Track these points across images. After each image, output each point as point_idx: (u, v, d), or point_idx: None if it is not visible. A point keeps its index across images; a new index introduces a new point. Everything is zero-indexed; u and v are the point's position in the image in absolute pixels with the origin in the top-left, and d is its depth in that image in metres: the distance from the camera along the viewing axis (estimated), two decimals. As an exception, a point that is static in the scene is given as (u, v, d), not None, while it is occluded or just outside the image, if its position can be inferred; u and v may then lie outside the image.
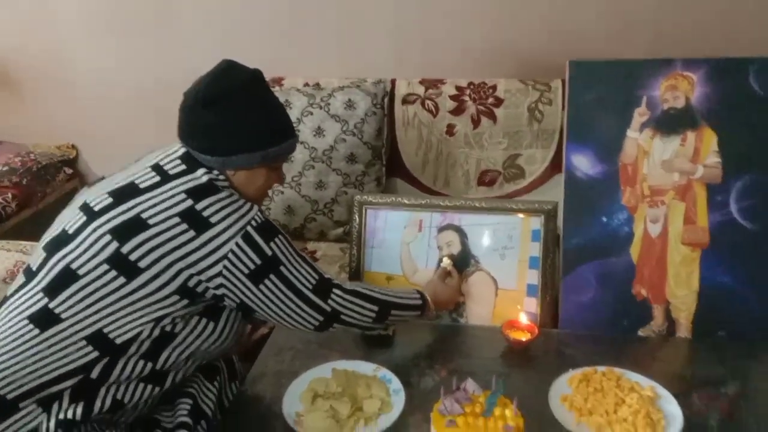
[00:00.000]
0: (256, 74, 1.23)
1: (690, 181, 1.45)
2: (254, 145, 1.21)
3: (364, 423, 1.20)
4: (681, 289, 1.46)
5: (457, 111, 2.00)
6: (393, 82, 2.05)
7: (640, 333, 1.48)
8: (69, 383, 1.08)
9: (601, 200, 1.49)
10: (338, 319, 1.25)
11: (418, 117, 2.02)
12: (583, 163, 1.50)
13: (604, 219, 1.49)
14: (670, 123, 1.46)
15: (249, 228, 1.16)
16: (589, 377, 1.29)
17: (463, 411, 1.12)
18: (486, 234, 1.55)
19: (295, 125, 1.91)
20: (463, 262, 1.56)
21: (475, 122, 1.99)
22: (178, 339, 1.15)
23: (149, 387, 1.15)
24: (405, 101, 2.02)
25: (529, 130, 1.97)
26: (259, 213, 1.19)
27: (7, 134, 2.44)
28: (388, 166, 2.06)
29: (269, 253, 1.17)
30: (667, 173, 1.46)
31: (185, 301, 1.14)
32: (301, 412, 1.23)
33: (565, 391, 1.26)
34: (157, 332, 1.13)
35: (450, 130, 2.01)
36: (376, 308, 1.29)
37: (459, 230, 1.57)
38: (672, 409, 1.21)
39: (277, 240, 1.19)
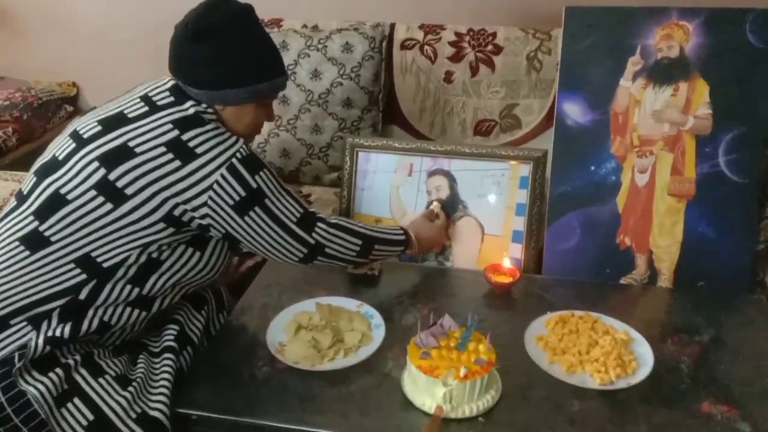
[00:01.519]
0: (247, 9, 1.23)
1: (680, 132, 1.45)
2: (242, 81, 1.22)
3: (344, 353, 1.24)
4: (665, 239, 1.47)
5: (456, 58, 1.98)
6: (392, 26, 2.03)
7: (623, 281, 1.50)
8: (58, 303, 1.12)
9: (590, 148, 1.49)
10: (322, 252, 1.28)
11: (416, 63, 2.01)
12: (574, 111, 1.50)
13: (593, 167, 1.50)
14: (663, 73, 1.45)
15: (234, 160, 1.18)
16: (566, 320, 1.32)
17: (437, 344, 1.16)
18: (474, 180, 1.56)
19: (291, 67, 1.94)
20: (452, 206, 1.57)
21: (474, 70, 1.98)
22: (165, 266, 1.19)
23: (136, 311, 1.19)
24: (403, 46, 2.01)
25: (527, 79, 1.96)
26: (244, 146, 1.21)
27: (8, 71, 2.45)
28: (385, 112, 2.06)
29: (254, 185, 1.19)
30: (658, 123, 1.46)
31: (171, 230, 1.17)
32: (284, 342, 1.28)
33: (541, 331, 1.29)
34: (143, 258, 1.16)
35: (448, 77, 2.00)
36: (359, 242, 1.32)
37: (448, 175, 1.58)
38: (644, 351, 1.24)
39: (262, 173, 1.21)
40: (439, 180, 1.58)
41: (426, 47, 2.00)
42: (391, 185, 1.61)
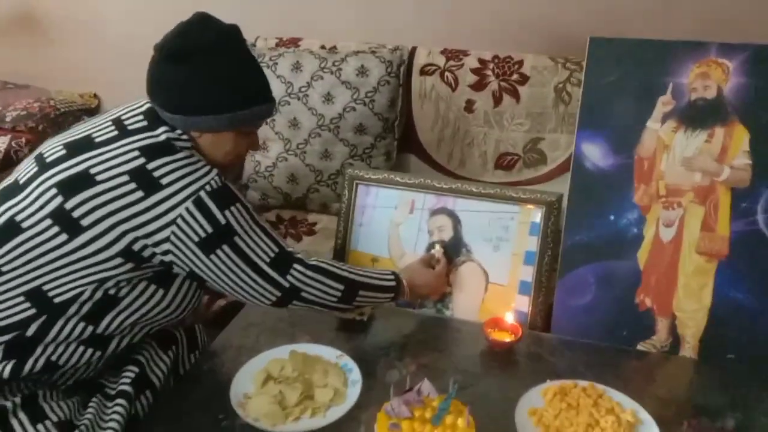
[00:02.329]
0: (229, 30, 1.14)
1: (713, 183, 1.28)
2: (220, 108, 1.13)
3: (311, 413, 1.12)
4: (691, 302, 1.30)
5: (479, 86, 1.85)
6: (413, 50, 1.92)
7: (640, 347, 1.34)
8: (2, 339, 1.05)
9: (610, 196, 1.34)
10: (298, 296, 1.17)
11: (436, 89, 1.89)
12: (595, 154, 1.35)
13: (612, 217, 1.34)
14: (697, 115, 1.29)
15: (202, 193, 1.08)
16: (567, 391, 1.16)
17: (410, 414, 1.02)
18: (481, 222, 1.43)
19: (303, 90, 1.85)
20: (454, 250, 1.44)
21: (497, 100, 1.84)
22: (123, 304, 1.10)
23: (89, 351, 1.10)
24: (423, 72, 1.89)
25: (554, 112, 1.81)
26: (217, 178, 1.11)
27: (34, 79, 2.45)
28: (401, 140, 1.95)
29: (222, 221, 1.10)
30: (688, 172, 1.30)
31: (130, 265, 1.08)
32: (250, 394, 1.17)
33: (537, 403, 1.14)
34: (99, 294, 1.07)
35: (469, 106, 1.87)
36: (341, 287, 1.20)
37: (452, 215, 1.45)
38: (652, 436, 1.07)
39: (233, 208, 1.11)
40: (442, 220, 1.46)
41: (447, 74, 1.87)
42: (391, 222, 1.49)
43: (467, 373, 1.24)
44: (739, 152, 1.27)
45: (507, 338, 1.31)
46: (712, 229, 1.29)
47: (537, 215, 1.39)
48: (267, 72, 1.84)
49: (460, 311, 1.43)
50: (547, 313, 1.40)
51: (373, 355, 1.29)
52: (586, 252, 1.36)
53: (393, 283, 1.29)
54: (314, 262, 1.19)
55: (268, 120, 1.86)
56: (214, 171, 1.12)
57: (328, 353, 1.26)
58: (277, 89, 1.84)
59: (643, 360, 1.32)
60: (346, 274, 1.22)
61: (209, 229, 1.09)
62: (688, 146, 1.30)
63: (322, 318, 1.38)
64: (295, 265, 1.16)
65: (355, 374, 1.21)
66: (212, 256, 1.10)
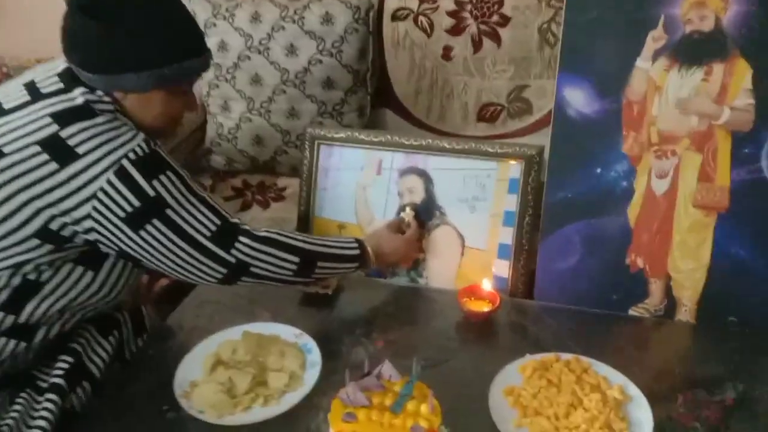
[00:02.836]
0: (149, -27, 0.99)
1: (711, 127, 1.14)
2: (143, 64, 0.98)
3: (263, 401, 1.02)
4: (687, 261, 1.17)
5: (456, 30, 1.69)
6: (383, -7, 1.75)
7: (632, 312, 1.22)
8: None
9: (596, 146, 1.20)
10: (247, 272, 1.05)
11: (410, 36, 1.73)
12: (578, 99, 1.20)
13: (599, 170, 1.20)
14: (692, 51, 1.14)
15: (125, 161, 0.95)
16: (548, 365, 1.05)
17: (368, 402, 0.91)
18: (455, 181, 1.29)
19: (265, 42, 1.69)
20: (426, 212, 1.31)
21: (476, 45, 1.69)
22: (46, 289, 0.98)
23: (12, 342, 0.99)
24: (395, 17, 1.73)
25: (539, 56, 1.66)
26: (143, 143, 0.98)
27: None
28: (375, 94, 1.80)
29: (151, 193, 0.97)
30: (683, 116, 1.15)
31: (49, 246, 0.95)
32: (197, 381, 1.06)
33: (514, 380, 1.03)
34: (17, 281, 0.96)
35: (447, 53, 1.72)
36: (296, 259, 1.08)
37: (423, 175, 1.31)
38: (642, 417, 0.96)
39: (163, 177, 0.98)
40: (413, 180, 1.32)
41: (421, 18, 1.71)
42: (357, 185, 1.36)
43: (440, 348, 1.12)
44: (740, 91, 1.12)
45: (484, 308, 1.19)
46: (710, 179, 1.15)
47: (516, 171, 1.25)
48: (223, 24, 1.70)
49: (435, 279, 1.31)
50: (529, 278, 1.27)
51: (337, 333, 1.17)
52: (570, 210, 1.22)
53: (356, 252, 1.16)
54: (263, 233, 1.07)
55: (228, 77, 1.71)
56: (140, 136, 0.98)
57: (286, 332, 1.15)
58: (235, 43, 1.69)
59: (635, 327, 1.20)
60: (300, 244, 1.10)
61: (136, 203, 0.96)
62: (683, 86, 1.15)
63: (284, 293, 1.27)
64: (241, 238, 1.04)
65: (315, 355, 1.09)
66: (142, 233, 0.97)
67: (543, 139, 1.64)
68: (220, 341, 1.13)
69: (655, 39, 1.15)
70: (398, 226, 1.28)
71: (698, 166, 1.15)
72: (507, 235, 1.26)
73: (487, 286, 1.21)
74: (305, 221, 1.39)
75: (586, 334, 1.15)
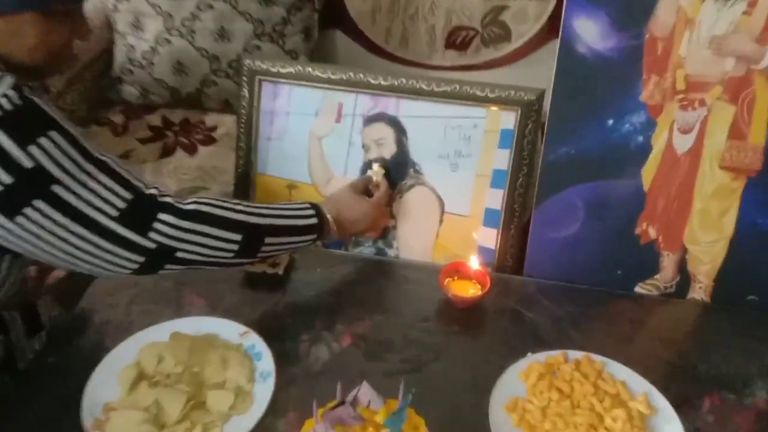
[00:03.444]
0: None
1: (750, 73, 0.93)
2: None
3: (202, 430, 0.79)
4: (708, 232, 1.00)
5: (423, -64, 1.40)
6: None
7: (638, 289, 1.04)
8: None
9: (610, 92, 0.97)
10: (173, 258, 0.79)
11: (365, -58, 1.42)
12: (590, 32, 0.96)
13: (611, 121, 0.98)
14: (737, -25, 0.91)
15: (-14, 122, 0.66)
16: (554, 368, 0.86)
17: (344, 442, 0.70)
18: (434, 132, 1.05)
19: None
20: (398, 170, 1.07)
21: (447, -45, 1.40)
22: None
23: None
24: None
25: (520, -29, 1.39)
26: (11, 92, 0.68)
27: None
28: (324, 13, 1.49)
29: (27, 164, 0.68)
30: (717, 58, 0.94)
31: None
32: (113, 404, 0.81)
33: (516, 390, 0.84)
34: None
35: (410, -36, 1.43)
36: (238, 237, 0.82)
37: (395, 123, 1.06)
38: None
39: (44, 140, 0.69)
40: (381, 130, 1.07)
41: None
42: (311, 135, 1.09)
43: (421, 345, 0.92)
44: (790, 28, 0.91)
45: (471, 293, 0.98)
46: (742, 137, 0.95)
47: (509, 120, 1.02)
48: None
49: (407, 250, 1.09)
50: (519, 249, 1.07)
51: (291, 327, 0.94)
52: (572, 169, 1.01)
53: (313, 221, 0.91)
54: (192, 206, 0.80)
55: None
56: (6, 80, 0.68)
57: (228, 330, 0.91)
58: (146, -58, 1.33)
59: (645, 308, 1.02)
60: (242, 217, 0.84)
61: (6, 179, 0.67)
62: (720, 21, 0.92)
63: (221, 274, 1.02)
64: (162, 215, 0.77)
65: (266, 361, 0.86)
66: (19, 219, 0.69)
67: (523, 71, 1.41)
68: (140, 344, 0.88)
69: (691, -43, 0.91)
70: (364, 187, 1.04)
71: (730, 120, 0.95)
72: (495, 199, 1.05)
73: (474, 263, 1.00)
74: (244, 180, 1.12)
75: (591, 320, 0.98)
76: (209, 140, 1.42)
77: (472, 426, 0.80)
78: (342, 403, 0.72)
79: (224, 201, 0.85)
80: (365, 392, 0.74)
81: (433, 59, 1.50)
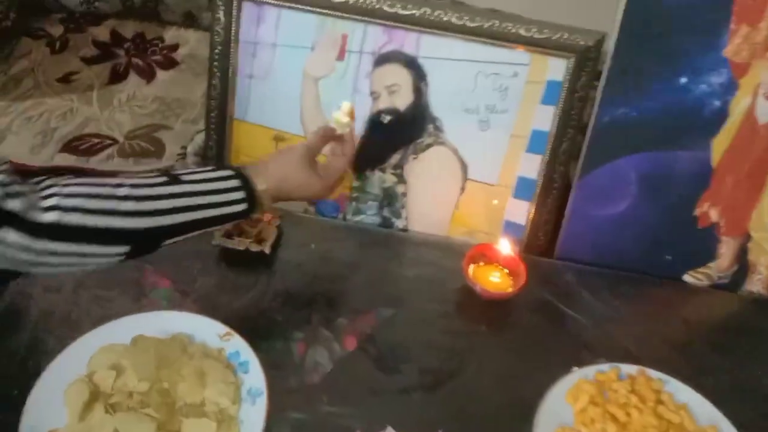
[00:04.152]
0: None
1: None
2: None
3: (176, 474, 0.62)
4: (778, 218, 0.84)
5: None
6: None
7: (687, 278, 0.89)
8: None
9: (687, 43, 0.78)
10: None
11: None
12: (673, -36, 0.75)
13: (684, 80, 0.79)
14: None
15: None
16: (605, 387, 0.72)
17: None
18: (461, 79, 0.83)
19: None
20: (414, 125, 0.86)
21: None
22: None
23: None
24: None
25: None
26: None
27: None
28: None
29: None
30: (830, 6, 0.75)
31: None
32: (59, 434, 0.63)
33: (564, 417, 0.69)
34: None
35: None
36: (123, 249, 0.59)
37: (413, 65, 0.84)
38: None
39: None
40: (396, 73, 0.85)
41: None
42: (304, 74, 0.86)
43: (443, 350, 0.75)
44: None
45: (502, 284, 0.81)
46: (843, 107, 0.78)
47: (558, 70, 0.81)
48: None
49: (419, 222, 0.90)
50: (554, 227, 0.90)
51: (283, 324, 0.76)
52: (631, 134, 0.82)
53: (240, 208, 0.68)
54: (50, 217, 0.54)
55: None
56: None
57: (204, 330, 0.72)
58: None
59: (699, 302, 0.88)
60: (130, 222, 0.59)
61: None
62: (841, -44, 0.73)
63: (192, 251, 0.82)
64: (5, 233, 0.53)
65: (255, 375, 0.69)
66: None
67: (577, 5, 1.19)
68: (92, 350, 0.69)
69: None
70: (322, 147, 0.78)
71: (831, 85, 0.77)
72: (532, 166, 0.86)
73: (506, 247, 0.82)
74: (218, 128, 0.89)
75: (639, 319, 0.83)
76: (169, 63, 1.17)
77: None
78: (362, 456, 0.56)
79: (104, 190, 0.59)
80: (390, 438, 0.58)
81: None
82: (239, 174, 0.68)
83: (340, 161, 0.78)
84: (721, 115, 0.81)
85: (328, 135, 0.78)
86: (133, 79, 1.14)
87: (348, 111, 0.77)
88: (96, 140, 1.01)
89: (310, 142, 0.76)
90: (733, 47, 0.78)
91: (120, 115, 1.07)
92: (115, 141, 1.02)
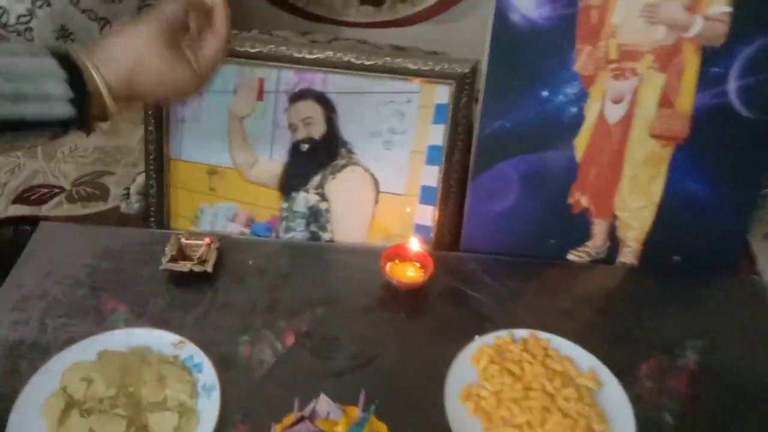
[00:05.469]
0: None
1: (679, 41, 0.93)
2: None
3: (147, 459, 0.73)
4: (637, 199, 1.02)
5: None
6: None
7: (571, 257, 1.06)
8: None
9: (544, 63, 0.95)
10: None
11: None
12: (525, 0, 0.92)
13: (545, 93, 0.96)
14: (668, -59, 0.89)
15: None
16: (503, 349, 0.87)
17: (306, 463, 0.67)
18: (366, 108, 0.98)
19: None
20: (329, 150, 1.01)
21: None
22: None
23: None
24: None
25: None
26: None
27: None
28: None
29: None
30: (649, 26, 0.93)
31: None
32: (40, 440, 0.74)
33: (469, 377, 0.84)
34: None
35: None
36: None
37: (323, 100, 0.99)
38: (617, 405, 0.82)
39: None
40: (309, 108, 0.99)
41: None
42: (230, 114, 1.00)
43: (368, 338, 0.89)
44: (717, -4, 0.91)
45: (414, 276, 0.96)
46: (671, 105, 0.96)
47: (444, 94, 0.98)
48: None
49: (343, 233, 1.04)
50: (456, 225, 1.05)
51: (229, 329, 0.88)
52: (508, 142, 0.99)
53: (62, 112, 0.54)
54: None
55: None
56: None
57: (160, 341, 0.84)
58: None
59: (579, 275, 1.04)
60: None
61: None
62: (652, -12, 0.92)
63: (141, 275, 0.93)
64: None
65: (207, 373, 0.81)
66: None
67: (441, 29, 1.37)
68: (63, 368, 0.79)
69: None
70: (182, 15, 0.62)
71: (660, 88, 0.95)
72: (432, 176, 1.01)
73: (415, 245, 0.97)
74: (158, 167, 1.01)
75: (530, 293, 0.98)
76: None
77: (432, 422, 0.79)
78: (301, 419, 0.69)
79: None
80: (323, 404, 0.71)
81: (347, 15, 1.41)
82: (64, 58, 0.50)
83: (212, 43, 0.63)
84: (579, 119, 0.98)
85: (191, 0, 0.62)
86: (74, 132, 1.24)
87: None
88: (45, 190, 1.11)
89: (168, 11, 0.58)
90: (581, 63, 0.95)
91: (64, 166, 1.17)
92: (62, 189, 1.12)
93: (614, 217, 1.03)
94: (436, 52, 1.14)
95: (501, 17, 0.92)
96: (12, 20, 1.24)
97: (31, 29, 1.25)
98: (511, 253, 1.04)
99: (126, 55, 0.54)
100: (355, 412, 0.71)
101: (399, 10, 1.41)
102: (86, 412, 0.75)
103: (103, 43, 0.54)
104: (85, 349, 0.81)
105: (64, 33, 1.26)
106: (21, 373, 0.80)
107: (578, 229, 1.04)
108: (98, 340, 0.83)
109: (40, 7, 1.23)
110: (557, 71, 0.95)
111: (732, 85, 0.94)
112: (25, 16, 1.24)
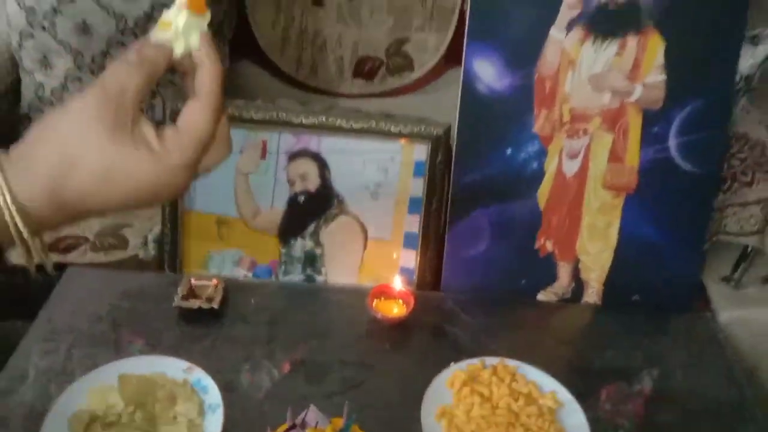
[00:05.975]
0: None
1: (623, 105, 1.09)
2: None
3: (160, 465, 0.84)
4: (595, 243, 1.15)
5: (328, -27, 1.48)
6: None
7: (541, 296, 1.18)
8: None
9: (507, 126, 1.10)
10: None
11: (273, -23, 1.49)
12: (488, 72, 1.08)
13: (509, 151, 1.11)
14: (607, 23, 1.06)
15: None
16: (475, 375, 0.98)
17: (297, 463, 0.78)
18: (354, 165, 1.13)
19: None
20: (323, 202, 1.15)
21: (352, -10, 1.49)
22: None
23: None
24: (255, -46, 1.46)
25: (421, 6, 1.50)
26: None
27: None
28: (234, 43, 1.54)
29: None
30: (596, 93, 1.09)
31: None
32: (68, 451, 0.84)
33: (444, 398, 0.94)
34: None
35: (317, -2, 1.50)
36: None
37: (317, 158, 1.14)
38: (576, 422, 0.92)
39: None
40: (305, 165, 1.14)
41: (287, -44, 1.47)
42: (236, 172, 1.14)
43: (356, 365, 1.00)
44: (652, 67, 1.07)
45: (398, 312, 1.08)
46: (620, 160, 1.11)
47: (421, 152, 1.12)
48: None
49: (335, 276, 1.17)
50: (437, 268, 1.18)
51: (233, 359, 1.00)
52: (479, 193, 1.13)
53: None
54: None
55: (45, 24, 1.35)
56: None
57: (172, 367, 0.95)
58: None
59: (546, 313, 1.16)
60: None
61: None
62: (597, 60, 1.07)
63: (156, 311, 1.06)
64: None
65: (213, 394, 0.92)
66: None
67: (426, 98, 1.53)
68: (86, 389, 0.91)
69: (570, 7, 1.05)
70: (142, 81, 0.45)
71: (609, 146, 1.10)
72: (413, 224, 1.15)
73: (398, 284, 1.09)
74: (173, 216, 1.15)
75: (502, 328, 1.10)
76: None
77: (409, 433, 0.89)
78: (293, 426, 0.80)
79: None
80: (312, 414, 0.82)
81: (342, 88, 1.59)
82: None
83: (195, 112, 0.47)
84: (540, 173, 1.12)
85: (154, 59, 0.46)
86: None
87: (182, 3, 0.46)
88: (71, 240, 1.25)
89: (112, 82, 0.43)
90: (539, 125, 1.10)
91: (87, 222, 1.31)
92: (87, 239, 1.26)
93: (577, 260, 1.16)
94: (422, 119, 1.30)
95: (468, 87, 1.08)
96: (47, 93, 1.42)
97: (54, 24, 1.41)
98: (485, 292, 1.16)
99: (51, 157, 0.39)
100: (340, 421, 0.82)
101: (388, 82, 1.58)
102: (108, 426, 0.86)
103: (28, 142, 0.40)
104: (107, 373, 0.93)
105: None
106: (50, 393, 0.91)
107: (546, 271, 1.17)
108: (118, 365, 0.94)
109: (72, 82, 1.41)
110: (519, 132, 1.10)
111: (672, 142, 1.09)
112: (57, 90, 1.42)
